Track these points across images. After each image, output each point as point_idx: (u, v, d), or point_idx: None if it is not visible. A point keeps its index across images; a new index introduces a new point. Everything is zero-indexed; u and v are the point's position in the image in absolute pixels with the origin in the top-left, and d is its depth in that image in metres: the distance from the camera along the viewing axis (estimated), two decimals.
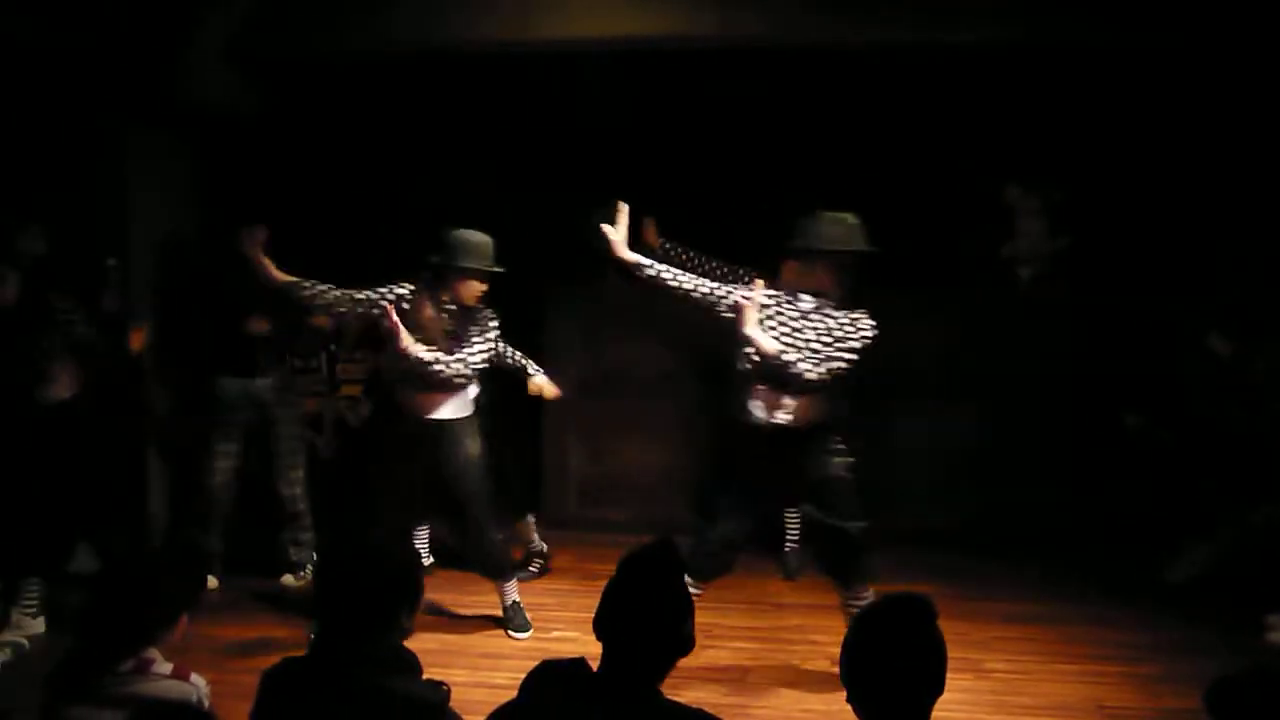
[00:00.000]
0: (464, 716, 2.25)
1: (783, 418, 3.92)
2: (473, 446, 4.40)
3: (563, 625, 4.55)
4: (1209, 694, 2.08)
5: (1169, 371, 5.67)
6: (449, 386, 4.32)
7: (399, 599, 2.20)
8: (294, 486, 5.14)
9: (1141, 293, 5.94)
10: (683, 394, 5.96)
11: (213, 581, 5.02)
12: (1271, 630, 4.38)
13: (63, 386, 4.43)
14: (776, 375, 3.83)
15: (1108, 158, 6.03)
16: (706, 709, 2.21)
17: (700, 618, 2.26)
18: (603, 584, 2.25)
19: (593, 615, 2.22)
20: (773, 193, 6.58)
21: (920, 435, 5.82)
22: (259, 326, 5.07)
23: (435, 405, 4.35)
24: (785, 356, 3.79)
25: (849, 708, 2.15)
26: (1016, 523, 5.47)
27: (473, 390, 4.46)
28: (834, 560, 4.06)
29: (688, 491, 5.43)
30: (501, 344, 4.68)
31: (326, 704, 2.08)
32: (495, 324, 4.49)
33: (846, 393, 4.26)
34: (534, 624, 4.56)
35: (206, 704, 2.38)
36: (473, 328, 4.39)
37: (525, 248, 6.81)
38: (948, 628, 2.15)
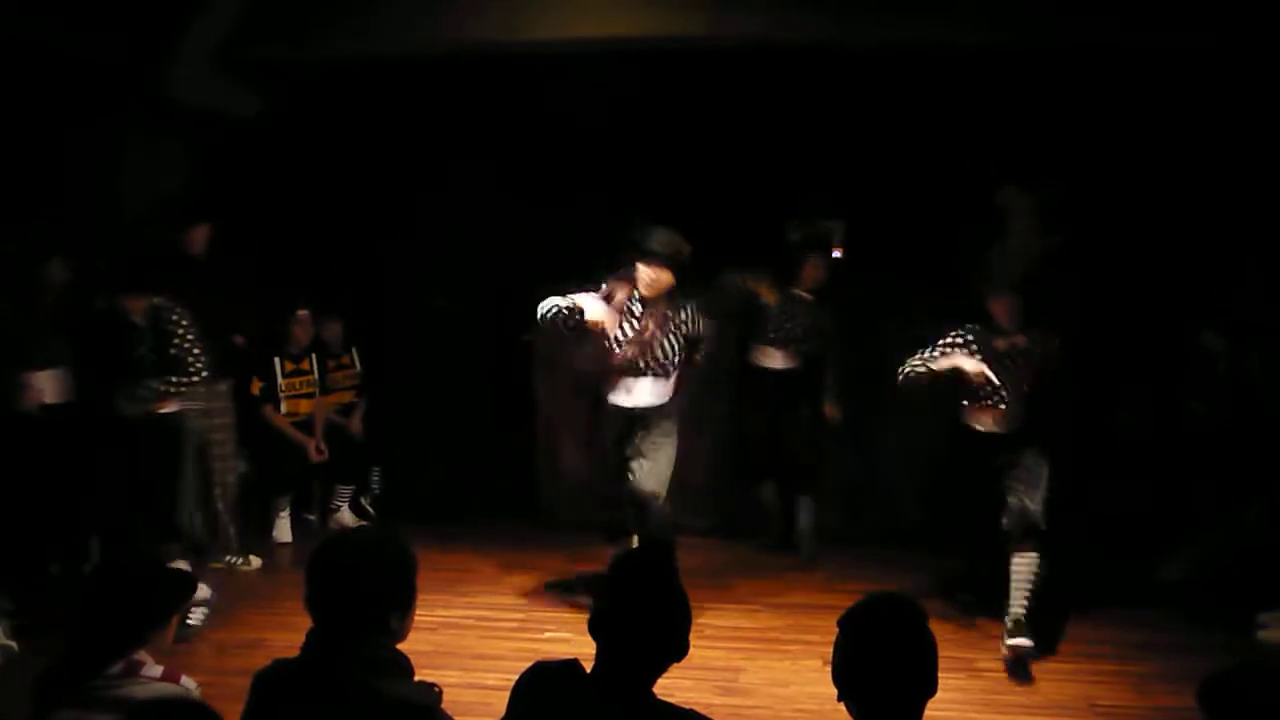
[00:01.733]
0: (456, 718, 2.24)
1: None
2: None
3: (554, 625, 4.54)
4: (1202, 691, 2.08)
5: (1163, 370, 5.69)
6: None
7: (390, 599, 2.19)
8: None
9: (1135, 292, 5.96)
10: (681, 393, 5.95)
11: (255, 560, 5.38)
12: (1263, 628, 4.40)
13: (43, 394, 4.38)
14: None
15: (1100, 157, 6.05)
16: (699, 709, 2.20)
17: (692, 617, 2.26)
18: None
19: (586, 616, 2.21)
20: (767, 192, 6.63)
21: (912, 434, 5.83)
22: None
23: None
24: None
25: (842, 707, 2.15)
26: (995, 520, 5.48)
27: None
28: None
29: (685, 492, 5.40)
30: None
31: (317, 706, 2.07)
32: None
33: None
34: (526, 625, 4.55)
35: None
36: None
37: (518, 245, 6.87)
38: (938, 627, 2.16)
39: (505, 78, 6.24)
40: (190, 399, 4.45)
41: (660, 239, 4.41)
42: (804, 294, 5.53)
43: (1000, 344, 4.28)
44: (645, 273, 4.40)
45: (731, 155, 6.57)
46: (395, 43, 5.26)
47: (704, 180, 6.61)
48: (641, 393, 4.53)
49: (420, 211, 7.05)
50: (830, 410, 5.57)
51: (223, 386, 5.21)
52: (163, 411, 4.31)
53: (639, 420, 4.55)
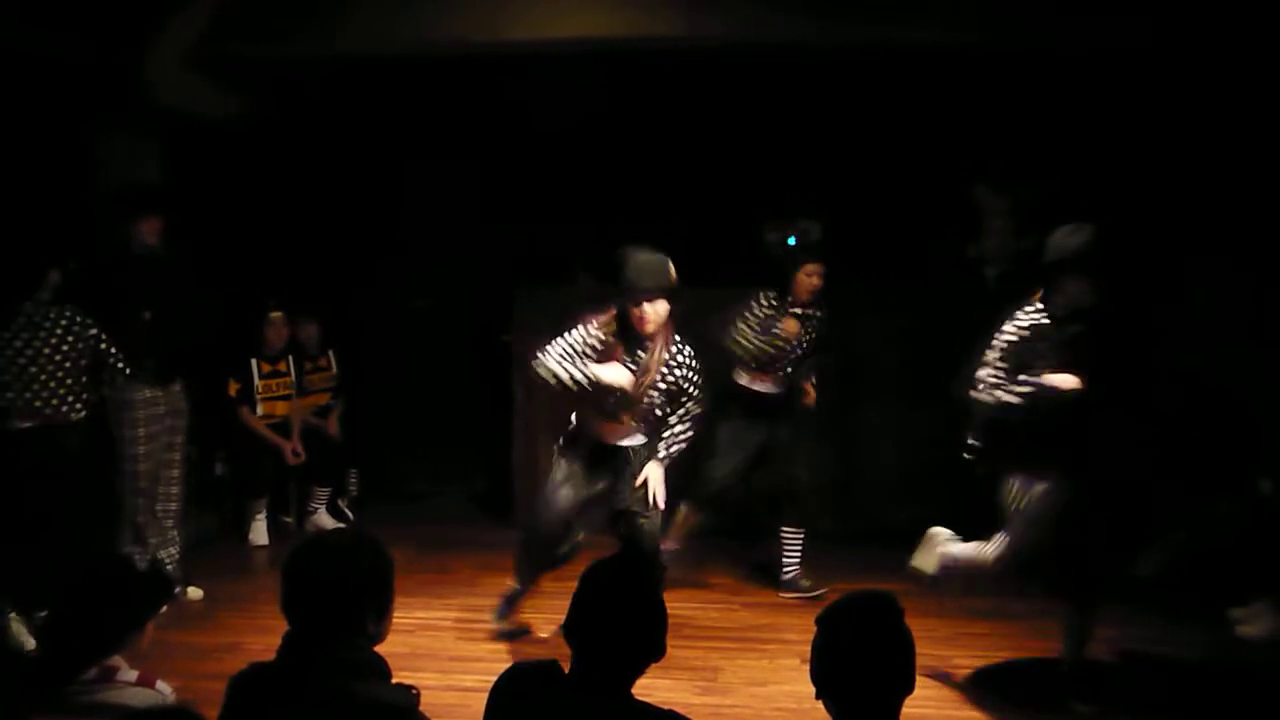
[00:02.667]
0: None
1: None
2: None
3: (534, 627, 4.53)
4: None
5: (1138, 368, 5.74)
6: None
7: (368, 602, 2.19)
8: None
9: (1110, 290, 6.01)
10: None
11: (195, 592, 4.99)
12: (1239, 623, 4.44)
13: None
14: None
15: (1076, 158, 6.10)
16: (677, 709, 2.21)
17: (671, 617, 2.26)
18: (573, 585, 2.25)
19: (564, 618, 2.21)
20: (742, 193, 6.65)
21: (886, 433, 5.86)
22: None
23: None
24: None
25: (820, 706, 2.16)
26: (981, 520, 5.51)
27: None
28: None
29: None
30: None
31: (294, 710, 2.06)
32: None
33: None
34: (504, 626, 4.55)
35: None
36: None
37: (493, 247, 6.86)
38: (915, 625, 2.17)
39: (483, 78, 6.24)
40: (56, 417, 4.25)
41: (648, 270, 3.98)
42: (802, 310, 4.90)
43: None
44: (647, 310, 3.98)
45: (707, 156, 6.59)
46: (373, 42, 5.24)
47: (680, 180, 6.63)
48: (625, 434, 4.27)
49: (398, 212, 7.04)
50: (809, 392, 5.10)
51: (176, 388, 4.88)
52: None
53: (620, 458, 4.26)
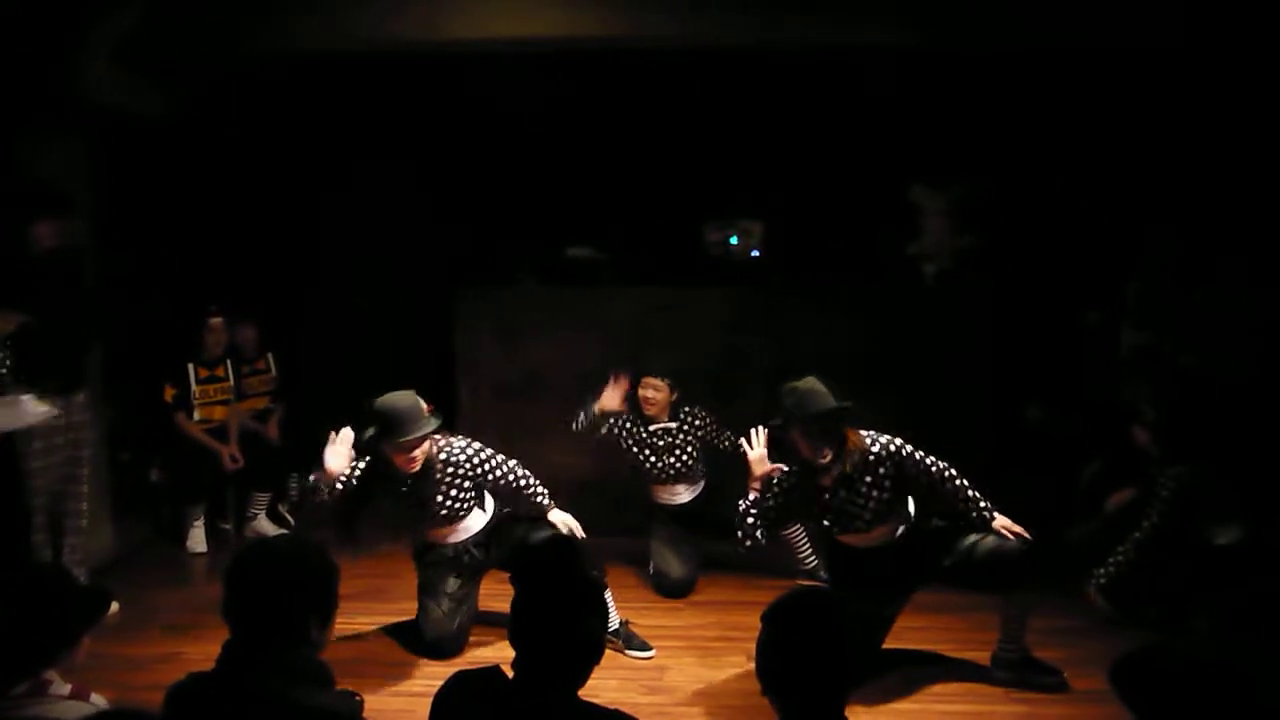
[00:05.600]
0: None
1: None
2: None
3: (478, 631, 4.50)
4: (1114, 671, 2.15)
5: (1072, 362, 5.87)
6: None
7: (311, 608, 2.16)
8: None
9: (1046, 286, 6.14)
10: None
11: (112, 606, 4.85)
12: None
13: None
14: None
15: (1012, 157, 6.22)
16: (624, 709, 2.22)
17: (617, 618, 2.26)
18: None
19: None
20: (684, 193, 6.67)
21: None
22: None
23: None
24: None
25: (766, 702, 2.17)
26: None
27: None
28: None
29: (609, 494, 5.41)
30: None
31: (234, 719, 2.04)
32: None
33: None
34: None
35: None
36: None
37: (435, 248, 6.81)
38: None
39: (425, 77, 6.19)
40: None
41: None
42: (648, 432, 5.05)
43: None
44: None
45: (649, 156, 6.61)
46: (313, 41, 5.16)
47: (622, 181, 6.64)
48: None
49: (338, 212, 6.96)
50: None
51: (81, 399, 4.71)
52: None
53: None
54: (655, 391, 5.01)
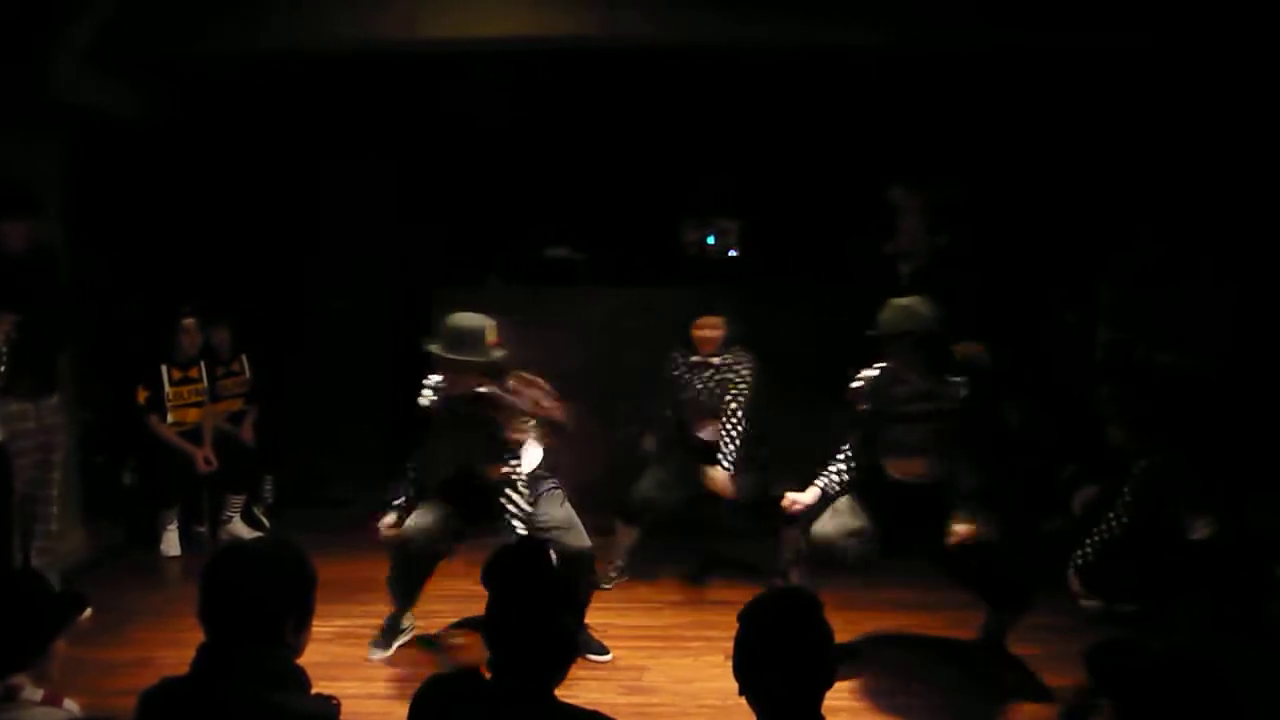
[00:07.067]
0: None
1: None
2: None
3: (456, 634, 4.49)
4: (1089, 656, 2.16)
5: (1045, 361, 5.92)
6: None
7: (287, 611, 2.14)
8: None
9: (1021, 286, 6.18)
10: (584, 395, 5.94)
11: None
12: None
13: None
14: None
15: (991, 158, 6.26)
16: (602, 709, 2.21)
17: (595, 618, 2.26)
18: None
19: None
20: (661, 192, 6.69)
21: (809, 429, 5.91)
22: None
23: None
24: None
25: (744, 701, 2.17)
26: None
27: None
28: None
29: (589, 493, 5.40)
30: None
31: None
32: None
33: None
34: (429, 632, 4.49)
35: None
36: None
37: (412, 248, 6.79)
38: (837, 618, 2.20)
39: (400, 76, 6.16)
40: None
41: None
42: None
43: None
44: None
45: (625, 156, 6.61)
46: (287, 40, 5.13)
47: (598, 180, 6.64)
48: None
49: (313, 212, 6.92)
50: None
51: (52, 401, 4.64)
52: None
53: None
54: (711, 330, 4.99)
